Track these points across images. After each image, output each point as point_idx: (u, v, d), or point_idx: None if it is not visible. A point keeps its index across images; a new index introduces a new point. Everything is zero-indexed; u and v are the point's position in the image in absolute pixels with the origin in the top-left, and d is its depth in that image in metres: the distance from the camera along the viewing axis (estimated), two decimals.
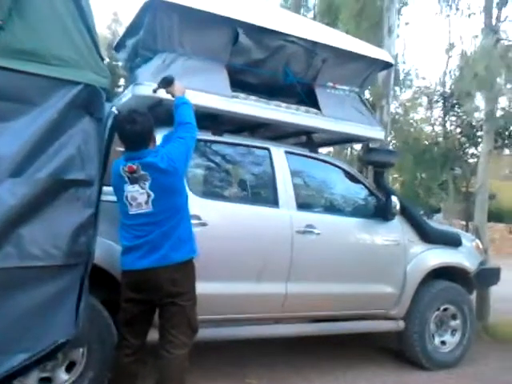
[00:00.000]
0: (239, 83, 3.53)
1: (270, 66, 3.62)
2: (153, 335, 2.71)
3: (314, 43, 3.68)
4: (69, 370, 2.79)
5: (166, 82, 2.85)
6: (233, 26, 3.37)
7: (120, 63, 4.13)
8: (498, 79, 5.91)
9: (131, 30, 3.64)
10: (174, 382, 2.57)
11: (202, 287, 2.78)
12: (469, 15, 6.53)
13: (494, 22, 5.88)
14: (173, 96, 2.83)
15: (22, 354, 2.12)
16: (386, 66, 4.32)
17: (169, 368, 2.56)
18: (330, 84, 3.94)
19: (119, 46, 4.03)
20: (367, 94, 6.91)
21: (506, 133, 9.75)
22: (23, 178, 2.13)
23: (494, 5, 5.84)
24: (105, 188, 2.48)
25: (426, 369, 4.07)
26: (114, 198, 2.64)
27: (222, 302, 3.27)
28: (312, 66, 3.75)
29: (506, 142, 10.16)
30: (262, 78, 3.66)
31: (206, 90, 3.27)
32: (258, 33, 3.46)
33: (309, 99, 3.83)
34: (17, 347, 2.12)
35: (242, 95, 3.47)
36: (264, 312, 3.51)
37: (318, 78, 3.84)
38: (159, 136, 2.88)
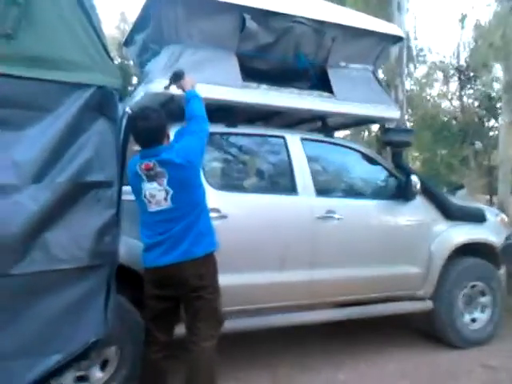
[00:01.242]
0: (251, 70, 3.52)
1: (280, 50, 3.59)
2: (181, 330, 2.75)
3: (322, 22, 3.64)
4: (103, 367, 2.85)
5: (176, 77, 2.87)
6: (239, 12, 3.35)
7: (131, 61, 4.15)
8: None
9: (139, 25, 3.66)
10: (204, 374, 2.59)
11: (225, 279, 2.80)
12: None
13: None
14: (183, 90, 2.84)
15: (56, 354, 2.18)
16: (397, 40, 4.24)
17: (198, 361, 2.59)
18: (343, 63, 3.89)
19: (128, 42, 4.06)
20: (381, 74, 6.81)
21: None
22: (44, 184, 2.16)
23: None
24: (125, 187, 2.51)
25: (457, 347, 4.04)
26: (133, 197, 2.67)
27: (247, 293, 3.28)
28: (322, 46, 3.71)
29: None
30: (274, 64, 3.64)
31: (217, 82, 3.26)
32: (265, 17, 3.44)
33: (322, 82, 3.80)
34: (51, 349, 2.18)
35: (253, 84, 3.46)
36: (291, 300, 3.51)
37: (330, 58, 3.79)
38: (172, 132, 2.90)
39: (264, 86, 3.49)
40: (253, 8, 3.38)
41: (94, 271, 2.29)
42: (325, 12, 3.76)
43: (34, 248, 2.14)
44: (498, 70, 7.86)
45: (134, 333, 2.84)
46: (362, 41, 3.91)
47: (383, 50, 4.13)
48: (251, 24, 3.38)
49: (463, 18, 10.98)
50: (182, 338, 2.72)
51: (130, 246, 2.78)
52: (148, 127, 2.54)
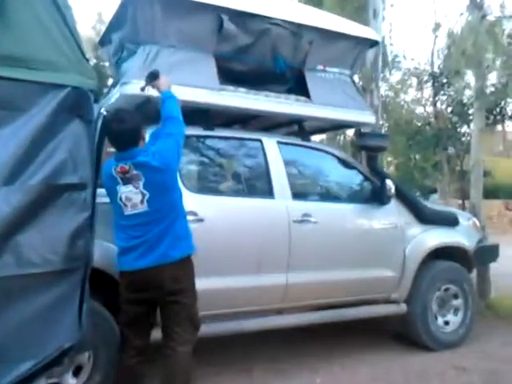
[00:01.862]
0: (228, 72, 3.52)
1: (258, 52, 3.60)
2: (158, 334, 2.72)
3: (299, 25, 3.66)
4: (76, 374, 2.80)
5: (152, 77, 2.84)
6: (216, 13, 3.35)
7: (106, 62, 4.09)
8: (486, 55, 5.91)
9: (115, 24, 3.61)
10: (180, 379, 2.57)
11: (202, 283, 2.79)
12: None
13: None
14: (159, 91, 2.81)
15: (28, 361, 2.12)
16: (373, 44, 4.29)
17: (174, 365, 2.56)
18: (320, 67, 3.92)
19: (104, 41, 4.01)
20: (356, 78, 6.88)
21: (497, 109, 9.74)
22: (16, 186, 2.11)
23: None
24: (99, 190, 2.47)
25: (430, 350, 4.10)
26: (107, 200, 2.63)
27: (223, 297, 3.27)
28: (299, 48, 3.73)
29: (498, 118, 10.16)
30: (252, 66, 3.64)
31: (194, 84, 3.25)
32: (242, 18, 3.44)
33: (299, 85, 3.82)
34: (22, 355, 2.12)
35: (231, 87, 3.46)
36: (266, 304, 3.52)
37: (307, 61, 3.82)
38: (147, 134, 2.87)
39: (241, 90, 3.49)
40: (230, 9, 3.38)
41: (68, 275, 2.25)
42: (302, 15, 3.78)
43: (5, 251, 2.08)
44: (470, 76, 8.02)
45: (107, 338, 2.80)
46: (339, 44, 3.94)
47: (360, 54, 4.17)
48: (229, 25, 3.38)
49: (437, 27, 11.20)
50: (158, 342, 2.69)
51: (104, 250, 2.74)
52: (123, 130, 2.52)
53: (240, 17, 3.43)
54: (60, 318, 2.22)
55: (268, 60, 3.65)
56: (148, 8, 3.16)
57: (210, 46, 3.43)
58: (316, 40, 3.76)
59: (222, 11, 3.35)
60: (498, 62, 6.23)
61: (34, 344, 2.15)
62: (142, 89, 2.91)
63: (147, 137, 2.79)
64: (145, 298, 2.60)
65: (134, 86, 3.04)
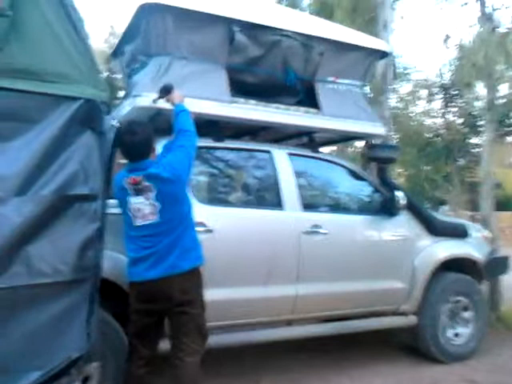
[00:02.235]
0: (240, 84, 3.53)
1: (269, 64, 3.61)
2: (166, 345, 2.72)
3: (309, 36, 3.68)
4: None
5: (165, 91, 2.87)
6: (228, 25, 3.38)
7: (119, 74, 4.13)
8: (497, 67, 5.90)
9: (127, 36, 3.66)
10: None
11: (210, 294, 2.79)
12: (463, 4, 6.51)
13: (489, 10, 5.86)
14: (172, 104, 2.84)
15: (36, 371, 2.13)
16: (384, 55, 4.29)
17: (182, 376, 2.55)
18: (331, 78, 3.92)
19: (117, 53, 4.06)
20: (367, 90, 6.89)
21: (508, 121, 9.70)
22: (28, 196, 2.14)
23: None
24: (110, 201, 2.49)
25: (440, 362, 4.06)
26: (119, 211, 2.65)
27: (232, 308, 3.27)
28: (310, 60, 3.74)
29: (509, 129, 10.11)
30: (263, 78, 3.66)
31: (205, 97, 3.27)
32: (253, 30, 3.47)
33: (310, 96, 3.82)
34: (31, 365, 2.13)
35: (241, 100, 3.48)
36: (275, 315, 3.51)
37: (318, 72, 3.82)
38: (160, 146, 2.89)
39: (252, 102, 3.51)
40: (241, 21, 3.41)
41: (77, 285, 2.26)
42: (313, 26, 3.80)
43: (16, 261, 2.10)
44: (480, 88, 8.00)
45: (116, 348, 2.80)
46: (350, 55, 3.95)
47: (371, 66, 4.17)
48: (240, 37, 3.41)
49: (447, 38, 11.20)
50: (166, 352, 2.69)
51: (113, 260, 2.75)
52: (135, 142, 2.54)
53: (251, 29, 3.46)
54: (69, 328, 2.23)
55: (279, 72, 3.67)
56: (160, 20, 3.20)
57: (221, 58, 3.45)
58: (327, 51, 3.78)
59: (233, 23, 3.39)
60: (508, 74, 6.21)
61: (42, 354, 2.16)
62: (155, 101, 2.94)
63: (159, 149, 2.82)
64: (154, 309, 2.60)
65: (146, 99, 3.07)
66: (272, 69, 3.64)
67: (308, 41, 3.68)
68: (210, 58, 3.41)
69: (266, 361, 4.08)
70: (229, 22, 3.38)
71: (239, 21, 3.41)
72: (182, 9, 3.20)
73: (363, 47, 3.98)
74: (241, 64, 3.53)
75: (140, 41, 3.43)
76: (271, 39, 3.54)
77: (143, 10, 3.23)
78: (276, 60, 3.62)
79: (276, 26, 3.55)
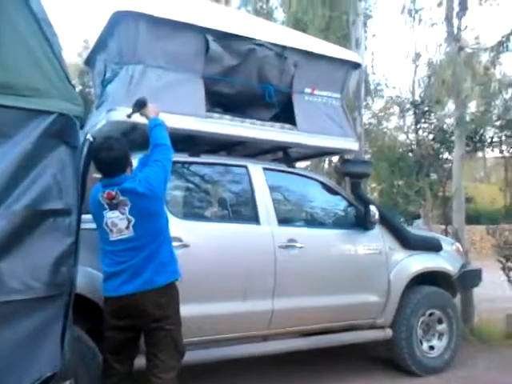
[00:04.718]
0: (217, 95, 3.55)
1: (245, 73, 3.62)
2: (140, 361, 2.68)
3: (283, 47, 3.72)
4: None
5: (140, 105, 2.85)
6: (202, 34, 3.39)
7: (91, 84, 4.09)
8: (465, 85, 6.09)
9: (100, 44, 3.65)
10: None
11: (187, 309, 2.77)
12: (431, 25, 6.72)
13: (455, 31, 6.06)
14: (147, 118, 2.84)
15: None
16: (356, 66, 4.35)
17: None
18: (308, 90, 3.94)
19: (89, 62, 4.04)
20: None
21: (477, 137, 9.97)
22: (0, 211, 2.10)
23: (454, 15, 6.03)
24: (85, 216, 2.46)
25: (416, 375, 4.09)
26: (93, 226, 2.62)
27: (208, 323, 3.24)
28: (285, 71, 3.76)
29: (478, 145, 10.38)
30: (239, 88, 3.66)
31: (180, 112, 3.27)
32: (227, 39, 3.48)
33: (286, 110, 3.84)
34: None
35: (216, 115, 3.49)
36: (252, 330, 3.50)
37: (294, 84, 3.84)
38: (135, 160, 2.88)
39: (227, 117, 3.53)
40: (215, 30, 3.42)
41: (51, 302, 2.21)
42: (285, 37, 3.85)
43: None
44: (450, 105, 8.23)
45: (90, 366, 2.74)
46: (324, 66, 3.98)
47: (346, 77, 4.19)
48: (215, 46, 3.41)
49: (417, 57, 11.52)
50: (142, 369, 2.65)
51: (88, 276, 2.71)
52: (111, 157, 2.53)
53: (225, 38, 3.47)
54: (42, 346, 2.18)
55: (255, 83, 3.68)
56: (133, 28, 3.18)
57: (198, 68, 3.44)
58: (301, 62, 3.81)
59: (207, 32, 3.39)
60: (475, 91, 6.41)
61: (14, 372, 2.10)
62: (129, 116, 2.93)
63: (135, 163, 2.80)
64: (129, 325, 2.57)
65: (120, 113, 3.05)
66: (248, 79, 3.65)
67: (281, 51, 3.71)
68: (186, 67, 3.39)
69: (243, 376, 4.04)
70: (203, 31, 3.38)
71: (213, 30, 3.42)
72: (155, 17, 3.19)
73: (335, 58, 4.03)
74: (217, 74, 3.53)
75: (113, 49, 3.40)
76: (245, 48, 3.55)
77: (116, 18, 3.23)
78: (251, 70, 3.63)
79: (249, 36, 3.57)
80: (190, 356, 2.91)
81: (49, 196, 2.25)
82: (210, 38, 3.40)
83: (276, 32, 3.94)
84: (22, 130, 2.19)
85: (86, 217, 2.54)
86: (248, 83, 3.65)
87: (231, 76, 3.59)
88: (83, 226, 2.40)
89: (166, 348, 2.56)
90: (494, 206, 19.03)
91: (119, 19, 3.22)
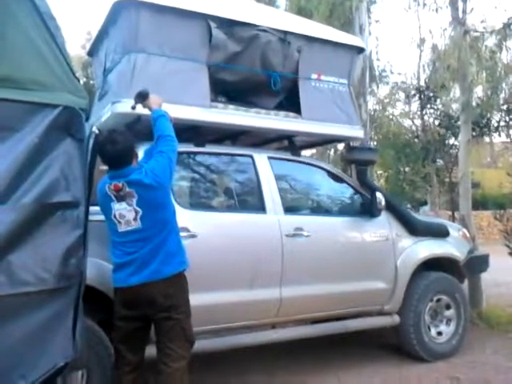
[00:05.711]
0: (221, 83, 3.53)
1: (249, 60, 3.60)
2: (151, 350, 2.71)
3: (286, 32, 3.70)
4: None
5: (142, 97, 2.84)
6: (205, 21, 3.37)
7: (95, 74, 4.08)
8: (470, 69, 6.03)
9: (103, 34, 3.65)
10: None
11: (196, 298, 2.79)
12: (436, 9, 6.64)
13: (460, 14, 6.00)
14: (150, 109, 2.84)
15: (21, 380, 2.10)
16: (360, 51, 4.33)
17: (168, 381, 2.55)
18: (315, 76, 3.91)
19: (92, 52, 4.05)
20: None
21: (484, 121, 9.90)
22: (9, 205, 2.12)
23: None
24: (93, 208, 2.48)
25: (424, 361, 4.10)
26: (101, 218, 2.65)
27: (218, 312, 3.27)
28: (289, 56, 3.73)
29: (484, 130, 10.31)
30: (244, 76, 3.64)
31: (185, 102, 3.27)
32: (230, 26, 3.47)
33: (291, 97, 3.82)
34: (15, 374, 2.10)
35: (221, 105, 3.49)
36: (260, 318, 3.52)
37: (300, 69, 3.81)
38: (141, 152, 2.89)
39: (231, 107, 3.53)
40: (218, 17, 3.41)
41: (61, 293, 2.24)
42: (288, 22, 3.83)
43: None
44: (456, 90, 8.16)
45: (101, 356, 2.78)
46: (328, 51, 3.96)
47: (352, 62, 4.16)
48: (217, 33, 3.39)
49: (422, 42, 11.40)
50: (152, 358, 2.68)
51: (98, 267, 2.74)
52: (116, 150, 2.54)
53: (227, 24, 3.45)
54: (53, 337, 2.21)
55: (259, 69, 3.65)
56: (135, 17, 3.17)
57: (202, 55, 3.42)
58: (305, 47, 3.79)
59: (209, 19, 3.38)
60: (481, 76, 6.35)
61: (27, 363, 2.13)
62: (133, 107, 2.93)
63: (141, 154, 2.81)
64: (138, 315, 2.60)
65: (124, 105, 3.05)
66: (252, 65, 3.62)
67: (284, 36, 3.68)
68: (190, 55, 3.37)
69: (252, 363, 4.08)
70: (205, 18, 3.37)
71: (215, 17, 3.40)
72: (156, 5, 3.19)
73: (339, 43, 4.00)
74: (222, 61, 3.50)
75: (115, 38, 3.39)
76: (248, 35, 3.54)
77: (117, 7, 3.23)
78: (255, 56, 3.60)
79: (252, 22, 3.55)
80: (199, 345, 2.94)
81: (56, 189, 2.27)
82: (212, 25, 3.38)
83: (278, 18, 3.91)
84: (28, 123, 2.21)
85: (95, 209, 2.57)
86: (252, 70, 3.63)
87: (235, 63, 3.57)
88: (92, 217, 2.42)
89: (176, 337, 2.58)
90: (501, 191, 18.95)
91: (121, 8, 3.22)
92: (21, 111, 2.19)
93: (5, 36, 2.17)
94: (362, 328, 4.07)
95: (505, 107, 9.71)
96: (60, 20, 2.49)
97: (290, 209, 3.69)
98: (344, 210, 4.13)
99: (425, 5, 6.76)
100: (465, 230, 4.81)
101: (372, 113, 11.58)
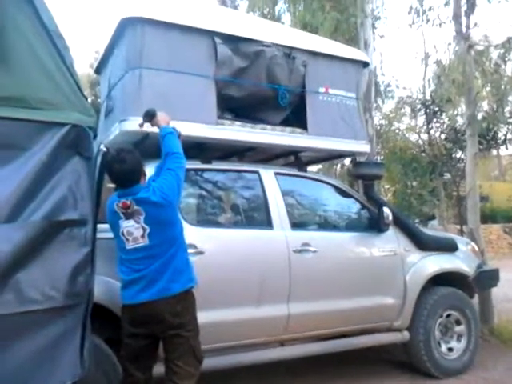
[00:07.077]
0: (228, 98, 3.56)
1: (255, 75, 3.62)
2: (159, 368, 2.70)
3: (291, 47, 3.73)
4: None
5: (149, 116, 2.86)
6: (210, 38, 3.41)
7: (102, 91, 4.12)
8: (475, 83, 6.05)
9: (109, 51, 3.69)
10: None
11: (203, 316, 2.78)
12: (439, 24, 6.68)
13: (464, 29, 6.03)
14: (158, 127, 2.86)
15: None
16: (365, 65, 4.35)
17: None
18: (322, 90, 3.92)
19: (99, 70, 4.09)
20: None
21: (490, 135, 9.87)
22: (18, 223, 2.13)
23: (463, 13, 6.00)
24: (101, 225, 2.49)
25: (435, 377, 4.05)
26: (109, 235, 2.65)
27: (225, 330, 3.25)
28: (294, 71, 3.75)
29: (491, 143, 10.28)
30: (251, 91, 3.66)
31: (192, 119, 3.28)
32: (235, 42, 3.51)
33: (298, 112, 3.83)
34: None
35: (227, 121, 3.51)
36: (268, 335, 3.50)
37: (307, 83, 3.83)
38: (149, 169, 2.91)
39: (238, 123, 3.55)
40: (223, 33, 3.45)
41: (69, 311, 2.24)
42: (292, 37, 3.87)
43: (6, 289, 2.08)
44: (461, 103, 8.17)
45: (109, 374, 2.76)
46: (334, 66, 3.98)
47: (358, 76, 4.18)
48: (223, 49, 3.43)
49: (426, 57, 11.44)
50: (161, 376, 2.67)
51: (105, 285, 2.74)
52: (124, 169, 2.57)
53: (232, 40, 3.49)
54: (61, 355, 2.20)
55: (265, 84, 3.67)
56: (140, 33, 3.21)
57: (208, 71, 3.44)
58: (309, 62, 3.82)
59: (214, 35, 3.42)
60: (486, 89, 6.36)
61: (35, 381, 2.13)
62: (141, 125, 2.95)
63: (151, 171, 2.83)
64: (146, 332, 2.59)
65: (132, 123, 3.08)
66: (258, 80, 3.64)
67: (289, 51, 3.72)
68: (196, 71, 3.39)
69: (257, 381, 4.03)
70: (211, 35, 3.41)
71: (221, 33, 3.44)
72: (161, 22, 3.23)
73: (344, 57, 4.03)
74: (228, 76, 3.52)
75: (121, 55, 3.43)
76: (253, 50, 3.57)
77: (123, 24, 3.28)
78: (261, 72, 3.62)
79: (257, 38, 3.59)
80: (208, 362, 2.91)
81: (65, 207, 2.28)
82: (218, 41, 3.42)
83: (283, 33, 3.95)
84: (36, 142, 2.22)
85: (103, 226, 2.58)
86: (259, 85, 3.66)
87: (241, 78, 3.59)
88: (100, 235, 2.43)
89: (184, 355, 2.57)
90: (510, 204, 18.81)
91: (127, 24, 3.27)
92: (30, 130, 2.21)
93: (13, 55, 2.20)
94: (372, 344, 4.02)
95: (511, 120, 9.68)
96: (68, 39, 2.53)
97: (297, 224, 3.69)
98: (351, 225, 4.11)
99: (428, 20, 6.80)
100: (473, 244, 4.77)
101: (378, 128, 11.59)
